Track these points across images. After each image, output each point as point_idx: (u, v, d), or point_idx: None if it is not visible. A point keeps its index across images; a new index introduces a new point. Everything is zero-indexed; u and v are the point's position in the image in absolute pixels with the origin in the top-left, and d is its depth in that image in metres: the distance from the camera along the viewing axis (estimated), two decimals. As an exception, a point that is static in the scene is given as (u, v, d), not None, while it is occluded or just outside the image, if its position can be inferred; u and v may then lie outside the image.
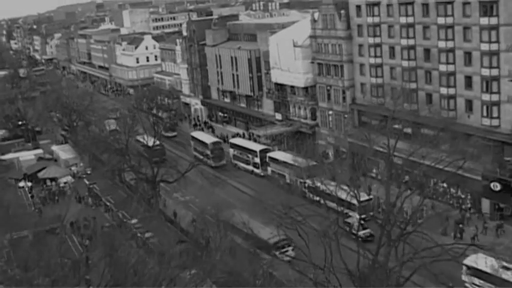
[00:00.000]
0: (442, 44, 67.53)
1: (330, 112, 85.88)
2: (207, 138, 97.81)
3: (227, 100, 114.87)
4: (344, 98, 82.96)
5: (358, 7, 79.16)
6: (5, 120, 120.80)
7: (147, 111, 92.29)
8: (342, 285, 38.55)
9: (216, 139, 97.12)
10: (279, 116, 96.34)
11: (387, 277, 37.30)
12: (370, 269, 38.09)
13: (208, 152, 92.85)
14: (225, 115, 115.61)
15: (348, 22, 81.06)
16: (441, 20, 67.09)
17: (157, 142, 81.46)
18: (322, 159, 79.55)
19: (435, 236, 56.62)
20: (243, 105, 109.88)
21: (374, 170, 72.81)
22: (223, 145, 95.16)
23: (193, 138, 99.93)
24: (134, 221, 64.68)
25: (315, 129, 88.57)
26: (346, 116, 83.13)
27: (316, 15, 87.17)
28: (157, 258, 49.68)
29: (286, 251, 56.95)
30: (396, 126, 58.96)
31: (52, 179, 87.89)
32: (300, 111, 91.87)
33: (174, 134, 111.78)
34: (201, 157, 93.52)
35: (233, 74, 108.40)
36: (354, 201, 58.81)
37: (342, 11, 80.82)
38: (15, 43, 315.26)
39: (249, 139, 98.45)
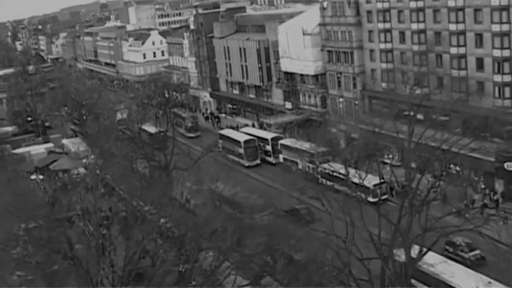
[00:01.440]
0: (452, 27, 67.73)
1: (341, 99, 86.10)
2: (240, 136, 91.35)
3: (236, 92, 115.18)
4: (354, 84, 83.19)
5: (368, -7, 79.56)
6: (14, 116, 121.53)
7: (164, 108, 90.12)
8: (363, 256, 38.86)
9: (249, 137, 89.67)
10: (289, 105, 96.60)
11: (409, 246, 37.50)
12: (392, 238, 38.30)
13: (242, 151, 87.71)
14: (234, 106, 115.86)
15: (357, 8, 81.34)
16: (451, 3, 67.29)
17: (161, 129, 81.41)
18: (334, 145, 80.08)
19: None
20: (252, 96, 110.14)
21: (386, 156, 73.05)
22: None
23: (223, 136, 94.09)
24: (147, 207, 64.83)
25: (325, 116, 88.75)
26: (356, 102, 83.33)
27: (325, 3, 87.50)
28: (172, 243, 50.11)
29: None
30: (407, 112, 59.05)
31: (64, 171, 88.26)
32: (310, 100, 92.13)
33: (198, 134, 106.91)
34: (233, 157, 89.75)
35: (242, 65, 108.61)
36: (368, 185, 59.13)
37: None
38: (21, 44, 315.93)
39: (260, 129, 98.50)
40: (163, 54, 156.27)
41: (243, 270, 46.79)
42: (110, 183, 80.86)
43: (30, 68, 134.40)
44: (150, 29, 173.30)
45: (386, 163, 71.15)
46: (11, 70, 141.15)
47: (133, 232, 49.69)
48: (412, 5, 72.25)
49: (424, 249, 38.87)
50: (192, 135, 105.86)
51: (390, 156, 74.24)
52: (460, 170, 66.78)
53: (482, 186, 66.93)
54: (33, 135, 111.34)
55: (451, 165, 66.48)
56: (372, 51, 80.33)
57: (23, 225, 57.22)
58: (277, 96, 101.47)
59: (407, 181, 42.33)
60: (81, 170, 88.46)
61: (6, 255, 48.85)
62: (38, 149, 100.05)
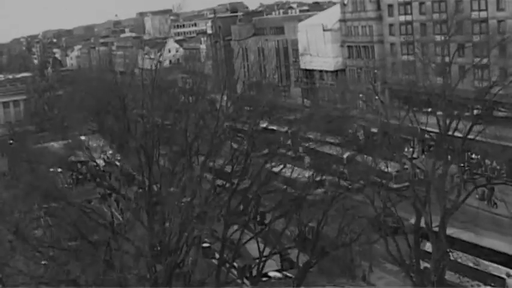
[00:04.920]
0: (475, 15, 68.11)
1: (360, 95, 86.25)
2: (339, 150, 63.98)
3: (253, 93, 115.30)
4: (375, 78, 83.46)
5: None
6: (31, 116, 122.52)
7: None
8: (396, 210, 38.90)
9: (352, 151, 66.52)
10: (308, 103, 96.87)
11: (444, 198, 37.31)
12: (427, 191, 38.15)
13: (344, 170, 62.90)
14: (251, 108, 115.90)
15: (378, 3, 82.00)
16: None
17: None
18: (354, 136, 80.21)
19: (473, 201, 57.29)
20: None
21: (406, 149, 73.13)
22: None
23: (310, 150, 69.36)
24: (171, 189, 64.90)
25: (344, 112, 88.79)
26: (376, 97, 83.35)
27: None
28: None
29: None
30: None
31: (82, 163, 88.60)
32: (329, 96, 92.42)
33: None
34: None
35: (260, 66, 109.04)
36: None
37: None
38: (35, 58, 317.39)
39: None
40: (179, 62, 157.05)
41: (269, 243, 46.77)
42: (130, 172, 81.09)
43: (48, 70, 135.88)
44: (165, 38, 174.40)
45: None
46: (28, 74, 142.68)
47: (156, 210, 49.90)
48: (434, -5, 72.92)
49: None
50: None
51: (411, 149, 74.61)
52: (481, 159, 66.72)
53: (504, 175, 66.83)
54: (52, 133, 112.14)
55: (473, 155, 66.63)
56: (392, 44, 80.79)
57: (44, 207, 57.67)
58: (295, 94, 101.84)
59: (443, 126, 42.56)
60: (100, 162, 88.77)
61: (29, 234, 49.11)
62: (56, 145, 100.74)
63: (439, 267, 36.03)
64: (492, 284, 40.88)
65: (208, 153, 49.93)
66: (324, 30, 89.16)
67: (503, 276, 41.06)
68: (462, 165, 48.34)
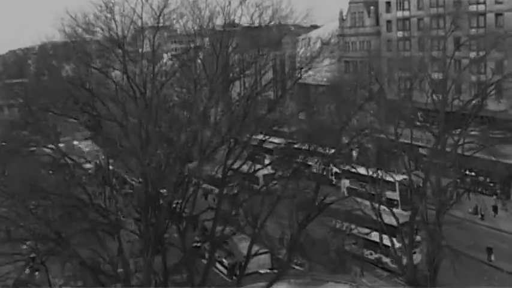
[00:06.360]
0: (473, 33, 68.48)
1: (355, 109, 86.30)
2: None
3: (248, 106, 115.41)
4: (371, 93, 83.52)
5: (388, 3, 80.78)
6: (25, 120, 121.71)
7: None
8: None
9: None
10: (303, 117, 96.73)
11: (440, 194, 37.28)
12: (423, 187, 38.15)
13: (395, 196, 63.42)
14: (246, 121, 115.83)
15: (377, 18, 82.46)
16: (473, 8, 68.24)
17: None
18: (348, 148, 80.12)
19: (467, 216, 57.51)
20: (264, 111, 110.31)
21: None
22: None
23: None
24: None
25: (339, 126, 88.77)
26: (372, 111, 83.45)
27: (344, 15, 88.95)
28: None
29: None
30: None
31: (74, 165, 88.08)
32: (324, 110, 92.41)
33: None
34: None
35: (256, 79, 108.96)
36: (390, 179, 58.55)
37: (371, 8, 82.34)
38: (31, 68, 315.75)
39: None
40: (175, 75, 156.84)
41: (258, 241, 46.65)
42: (122, 175, 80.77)
43: (45, 77, 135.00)
44: (162, 52, 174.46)
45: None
46: (25, 80, 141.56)
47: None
48: (433, 11, 73.18)
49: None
50: None
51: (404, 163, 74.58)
52: (476, 176, 66.89)
53: (498, 191, 67.06)
54: (44, 137, 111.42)
55: (467, 171, 66.51)
56: (390, 60, 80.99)
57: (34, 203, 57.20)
58: (291, 108, 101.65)
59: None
60: (92, 165, 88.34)
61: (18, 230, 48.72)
62: (48, 149, 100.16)
63: (433, 261, 35.90)
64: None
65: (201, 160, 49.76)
66: (322, 44, 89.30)
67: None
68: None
